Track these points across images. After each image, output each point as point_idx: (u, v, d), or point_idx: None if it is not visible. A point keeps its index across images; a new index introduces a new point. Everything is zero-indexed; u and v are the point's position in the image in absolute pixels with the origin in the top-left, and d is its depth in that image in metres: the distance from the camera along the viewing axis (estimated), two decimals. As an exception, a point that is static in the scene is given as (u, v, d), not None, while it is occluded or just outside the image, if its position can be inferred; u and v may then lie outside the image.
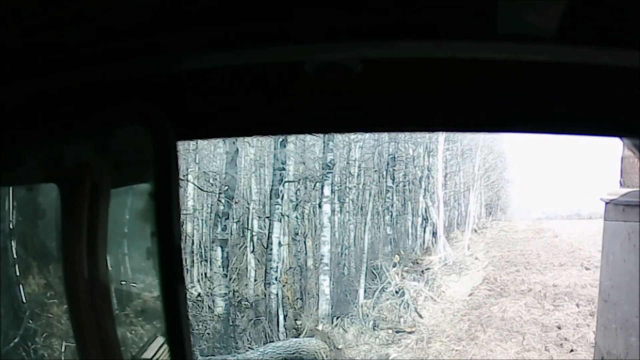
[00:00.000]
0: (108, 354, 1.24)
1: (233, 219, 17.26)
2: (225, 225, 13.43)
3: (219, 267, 13.30)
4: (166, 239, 1.10)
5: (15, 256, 1.40)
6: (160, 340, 1.27)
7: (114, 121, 1.19)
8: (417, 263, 18.38)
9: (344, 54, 1.10)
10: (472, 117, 1.34)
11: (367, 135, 16.85)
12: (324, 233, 14.98)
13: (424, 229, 21.14)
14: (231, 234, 16.58)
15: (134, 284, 1.33)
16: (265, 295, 14.11)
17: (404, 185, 20.70)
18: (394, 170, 18.99)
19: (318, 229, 15.96)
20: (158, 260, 1.11)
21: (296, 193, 16.78)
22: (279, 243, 14.27)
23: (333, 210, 16.52)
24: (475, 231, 24.86)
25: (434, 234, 20.27)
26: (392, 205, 19.41)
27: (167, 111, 1.14)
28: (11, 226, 1.38)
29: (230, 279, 14.32)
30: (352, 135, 17.02)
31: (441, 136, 18.99)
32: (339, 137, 17.07)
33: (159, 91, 1.22)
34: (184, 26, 1.06)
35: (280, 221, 14.37)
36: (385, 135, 17.66)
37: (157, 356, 1.31)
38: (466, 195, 24.80)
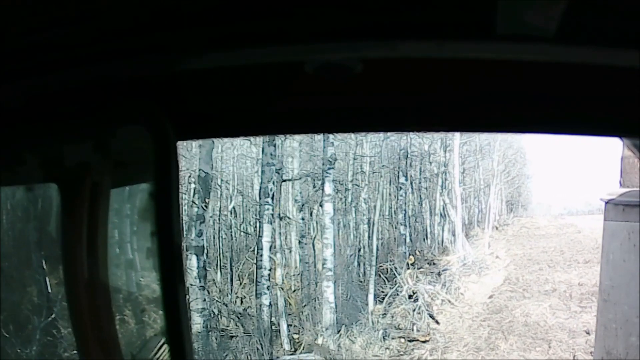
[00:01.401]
0: (108, 354, 1.25)
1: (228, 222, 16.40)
2: (200, 230, 11.80)
3: (195, 278, 11.67)
4: (166, 238, 1.10)
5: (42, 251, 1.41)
6: (160, 340, 1.27)
7: (114, 121, 1.19)
8: (434, 264, 17.43)
9: (344, 54, 1.10)
10: (472, 117, 1.34)
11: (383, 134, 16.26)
12: (326, 235, 13.72)
13: (442, 227, 20.29)
14: (231, 238, 15.68)
15: (142, 279, 1.34)
16: (255, 307, 12.78)
17: (420, 182, 19.82)
18: (406, 166, 18.15)
19: (320, 231, 14.82)
20: (158, 260, 1.11)
21: (305, 192, 15.70)
22: (270, 248, 12.92)
23: (337, 210, 15.33)
24: (497, 228, 24.21)
25: (453, 232, 19.36)
26: (405, 204, 18.46)
27: (167, 111, 1.14)
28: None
29: (210, 291, 12.87)
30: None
31: (456, 131, 18.46)
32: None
33: (159, 91, 1.22)
34: (184, 26, 1.06)
35: (271, 223, 13.03)
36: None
37: (157, 356, 1.31)
38: (486, 192, 24.10)
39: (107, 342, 1.24)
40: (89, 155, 1.22)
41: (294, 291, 14.50)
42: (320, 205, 14.50)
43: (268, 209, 12.89)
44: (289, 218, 15.78)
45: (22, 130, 1.21)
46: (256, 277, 13.20)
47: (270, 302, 12.66)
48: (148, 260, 1.20)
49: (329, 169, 13.79)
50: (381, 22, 1.03)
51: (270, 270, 12.92)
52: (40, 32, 1.06)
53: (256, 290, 13.09)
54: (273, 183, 12.82)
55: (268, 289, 12.74)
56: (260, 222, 13.17)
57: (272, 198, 12.96)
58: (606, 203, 5.75)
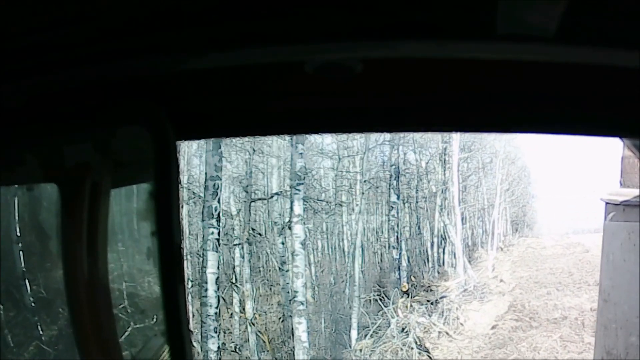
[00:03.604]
0: (108, 354, 1.25)
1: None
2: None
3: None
4: (166, 239, 1.10)
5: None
6: (160, 340, 1.27)
7: (114, 121, 1.20)
8: (431, 290, 15.62)
9: (344, 54, 1.10)
10: (472, 117, 1.34)
11: (365, 145, 15.13)
12: (297, 262, 11.27)
13: (443, 249, 18.58)
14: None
15: (141, 279, 1.34)
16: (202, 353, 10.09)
17: (417, 202, 18.16)
18: (398, 184, 16.42)
19: (290, 257, 12.32)
20: (158, 260, 1.11)
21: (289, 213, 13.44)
22: (216, 281, 10.41)
23: (321, 232, 13.65)
24: (502, 249, 22.85)
25: (453, 255, 17.58)
26: (398, 225, 16.46)
27: (167, 111, 1.14)
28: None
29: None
30: (344, 144, 14.90)
31: (455, 146, 16.97)
32: (328, 145, 14.44)
33: (159, 91, 1.22)
34: (184, 26, 1.06)
35: (217, 251, 10.40)
36: (386, 145, 15.66)
37: (157, 356, 1.31)
38: (490, 211, 22.72)
39: (107, 342, 1.24)
40: (89, 155, 1.22)
41: (261, 325, 12.68)
42: (289, 228, 12.12)
43: (213, 233, 10.21)
44: (258, 242, 13.76)
45: (22, 130, 1.21)
46: (201, 317, 10.49)
47: (218, 347, 10.32)
48: (148, 261, 1.20)
49: (299, 184, 11.50)
50: (381, 22, 1.03)
51: (217, 308, 10.40)
52: (40, 32, 1.06)
53: (201, 332, 10.34)
54: (219, 201, 10.38)
55: (215, 331, 10.23)
56: (203, 249, 10.44)
57: (217, 220, 10.41)
58: (606, 203, 5.75)
